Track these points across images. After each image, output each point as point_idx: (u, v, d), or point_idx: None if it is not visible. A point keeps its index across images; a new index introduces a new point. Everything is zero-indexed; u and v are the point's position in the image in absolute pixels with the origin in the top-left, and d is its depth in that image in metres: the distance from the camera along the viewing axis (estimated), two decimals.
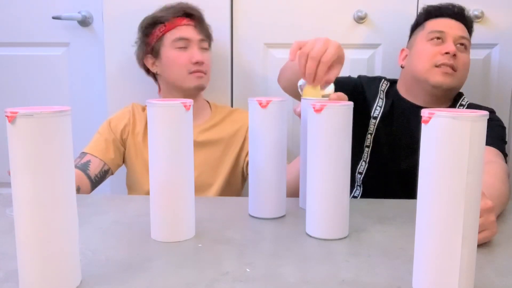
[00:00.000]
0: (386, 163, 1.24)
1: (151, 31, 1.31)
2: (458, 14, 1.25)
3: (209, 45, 1.34)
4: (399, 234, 0.79)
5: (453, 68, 1.17)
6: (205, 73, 1.29)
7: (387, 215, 0.89)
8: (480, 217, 0.69)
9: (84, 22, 1.61)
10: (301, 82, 0.92)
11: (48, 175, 0.55)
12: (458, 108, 1.23)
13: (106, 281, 0.62)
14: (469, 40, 1.24)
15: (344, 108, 0.74)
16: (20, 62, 1.65)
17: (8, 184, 0.59)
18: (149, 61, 1.33)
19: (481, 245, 0.73)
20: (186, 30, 1.28)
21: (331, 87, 0.90)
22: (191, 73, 1.26)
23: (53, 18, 1.58)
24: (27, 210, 0.56)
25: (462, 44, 1.21)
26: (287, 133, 0.90)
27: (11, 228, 0.80)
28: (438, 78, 1.17)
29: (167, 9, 1.31)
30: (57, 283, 0.58)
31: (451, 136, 0.54)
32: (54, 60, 1.64)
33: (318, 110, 0.74)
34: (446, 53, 1.17)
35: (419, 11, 1.33)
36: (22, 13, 1.62)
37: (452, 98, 1.26)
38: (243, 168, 1.34)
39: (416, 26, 1.30)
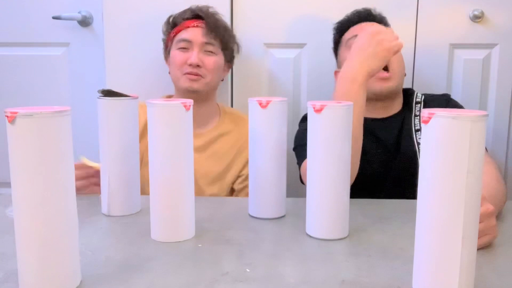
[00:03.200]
0: (372, 183, 1.18)
1: (168, 32, 1.33)
2: (368, 16, 1.25)
3: (225, 48, 1.30)
4: (399, 234, 0.79)
5: (387, 70, 1.15)
6: (202, 77, 1.26)
7: (387, 215, 0.89)
8: (481, 222, 0.69)
9: (84, 22, 1.61)
10: None
11: (48, 175, 0.55)
12: (415, 105, 1.22)
13: (106, 281, 0.62)
14: None
15: (344, 108, 0.74)
16: (20, 62, 1.65)
17: (8, 184, 0.59)
18: (167, 60, 1.35)
19: None
20: (191, 32, 1.27)
21: None
22: (184, 74, 1.25)
23: (53, 18, 1.58)
24: (27, 210, 0.56)
25: None
26: (287, 133, 0.90)
27: (11, 228, 0.80)
28: (376, 86, 1.16)
29: (183, 11, 1.31)
30: (57, 283, 0.58)
31: (451, 136, 0.54)
32: (54, 60, 1.64)
33: (318, 110, 0.74)
34: None
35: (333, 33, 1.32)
36: (22, 13, 1.62)
37: (401, 100, 1.25)
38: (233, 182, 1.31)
39: (336, 45, 1.31)
